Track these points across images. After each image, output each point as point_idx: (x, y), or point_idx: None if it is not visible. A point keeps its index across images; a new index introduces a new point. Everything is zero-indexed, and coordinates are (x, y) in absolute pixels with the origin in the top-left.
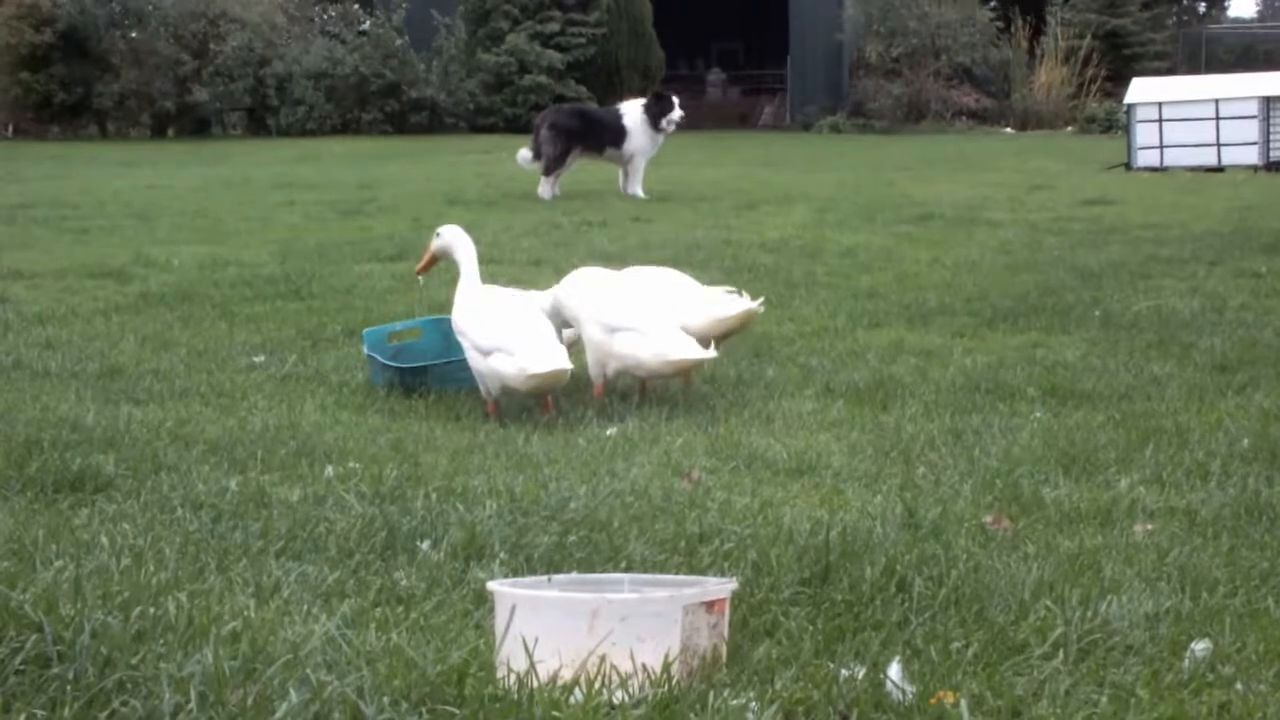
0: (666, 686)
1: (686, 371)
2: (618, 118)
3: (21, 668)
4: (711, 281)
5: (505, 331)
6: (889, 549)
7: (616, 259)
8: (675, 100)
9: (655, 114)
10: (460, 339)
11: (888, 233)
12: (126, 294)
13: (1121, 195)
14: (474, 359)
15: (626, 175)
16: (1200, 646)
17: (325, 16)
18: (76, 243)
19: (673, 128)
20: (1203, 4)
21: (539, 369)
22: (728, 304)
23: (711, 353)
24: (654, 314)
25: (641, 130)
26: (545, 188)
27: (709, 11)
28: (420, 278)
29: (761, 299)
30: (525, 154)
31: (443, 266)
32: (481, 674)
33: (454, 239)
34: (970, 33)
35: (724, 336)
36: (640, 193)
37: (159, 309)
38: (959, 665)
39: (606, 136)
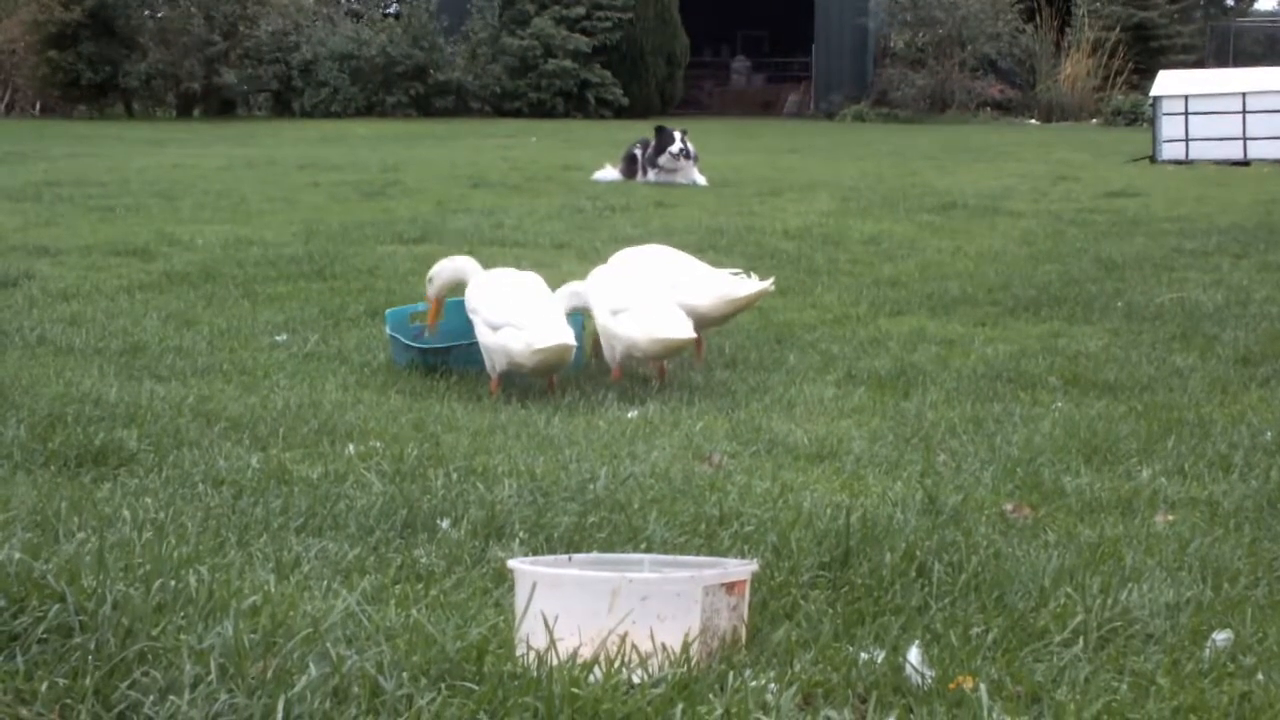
0: (686, 667)
1: (676, 351)
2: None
3: (44, 637)
4: (733, 267)
5: (514, 307)
6: (909, 534)
7: (638, 243)
8: (676, 135)
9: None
10: (473, 316)
11: (910, 221)
12: (150, 272)
13: (1146, 187)
14: (484, 334)
15: None
16: (1221, 636)
17: None
18: (102, 221)
19: (667, 159)
20: None
21: (544, 343)
22: (739, 284)
23: (691, 332)
24: (650, 295)
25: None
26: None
27: None
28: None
29: (772, 279)
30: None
31: (463, 251)
32: (501, 651)
33: (450, 267)
34: (996, 24)
35: (729, 316)
36: (651, 179)
37: (182, 287)
38: (978, 650)
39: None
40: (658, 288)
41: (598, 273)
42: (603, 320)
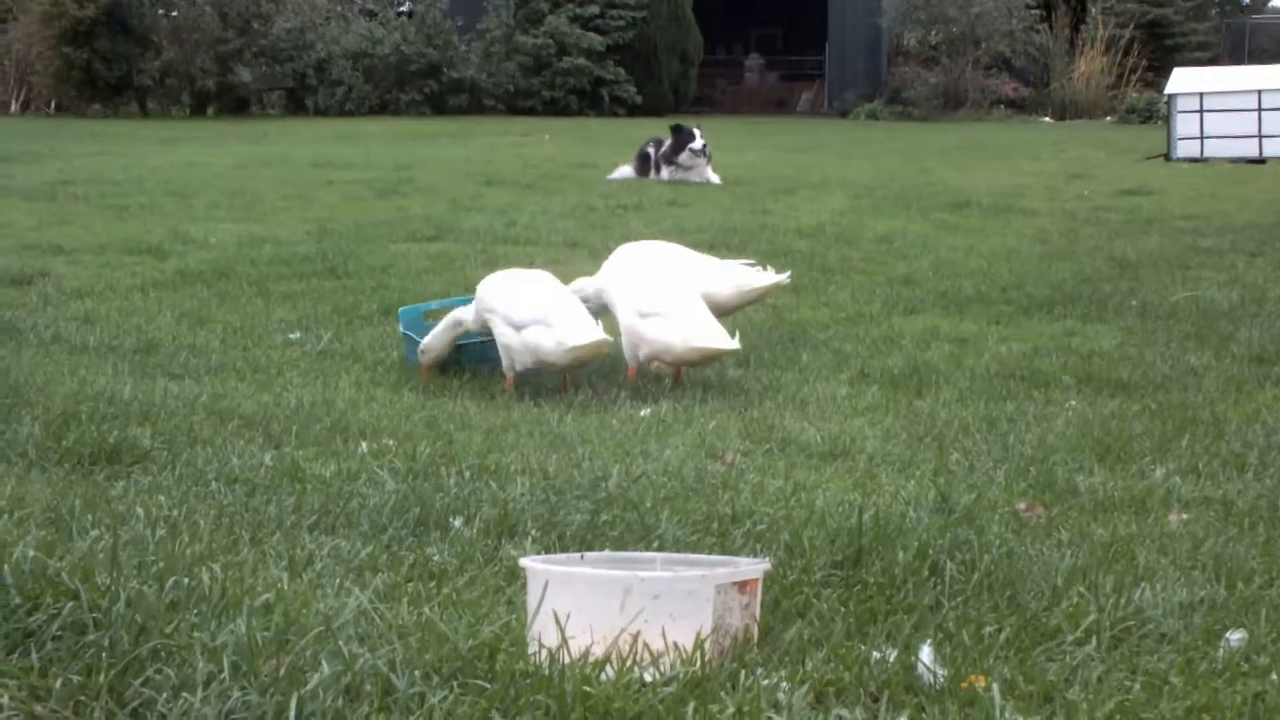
0: (698, 665)
1: (711, 361)
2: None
3: (58, 634)
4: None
5: (541, 305)
6: (921, 533)
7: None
8: (695, 133)
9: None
10: (489, 316)
11: (924, 220)
12: (164, 270)
13: (1161, 185)
14: (504, 334)
15: None
16: (1235, 636)
17: None
18: (116, 219)
19: (686, 157)
20: None
21: (579, 341)
22: (756, 275)
23: (736, 344)
24: (686, 300)
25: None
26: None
27: None
28: None
29: (788, 272)
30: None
31: (476, 249)
32: (513, 649)
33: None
34: (1010, 22)
35: (740, 307)
36: (665, 177)
37: (196, 286)
38: (991, 649)
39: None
40: (689, 290)
41: (612, 271)
42: (628, 321)
